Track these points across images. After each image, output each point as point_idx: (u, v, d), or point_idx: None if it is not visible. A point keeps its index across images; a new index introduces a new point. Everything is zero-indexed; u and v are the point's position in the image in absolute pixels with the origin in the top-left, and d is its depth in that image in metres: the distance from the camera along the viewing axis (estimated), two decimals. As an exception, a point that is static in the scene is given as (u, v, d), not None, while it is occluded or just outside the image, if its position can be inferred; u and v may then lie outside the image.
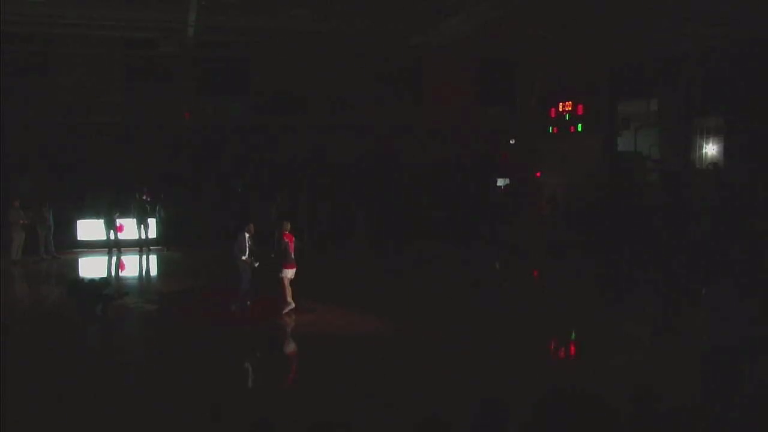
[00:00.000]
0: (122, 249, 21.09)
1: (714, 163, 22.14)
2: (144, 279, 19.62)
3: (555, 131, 26.13)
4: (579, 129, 25.23)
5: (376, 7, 19.44)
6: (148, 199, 22.05)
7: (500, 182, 27.73)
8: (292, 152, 24.87)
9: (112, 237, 20.98)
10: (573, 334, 13.82)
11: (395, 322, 13.51)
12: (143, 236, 21.70)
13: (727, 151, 21.94)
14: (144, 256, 21.22)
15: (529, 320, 14.01)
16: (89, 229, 21.64)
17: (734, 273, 17.11)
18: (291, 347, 13.11)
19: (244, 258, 13.64)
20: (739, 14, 17.86)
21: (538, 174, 26.86)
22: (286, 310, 13.61)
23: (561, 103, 25.69)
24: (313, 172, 24.63)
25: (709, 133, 22.51)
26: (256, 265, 13.77)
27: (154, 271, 20.34)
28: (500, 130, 27.27)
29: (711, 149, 22.62)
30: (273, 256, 14.13)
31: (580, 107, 25.20)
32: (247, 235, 13.74)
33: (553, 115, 26.09)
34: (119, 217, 21.25)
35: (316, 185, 23.99)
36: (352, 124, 25.05)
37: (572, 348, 13.35)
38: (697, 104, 22.34)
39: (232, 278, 14.14)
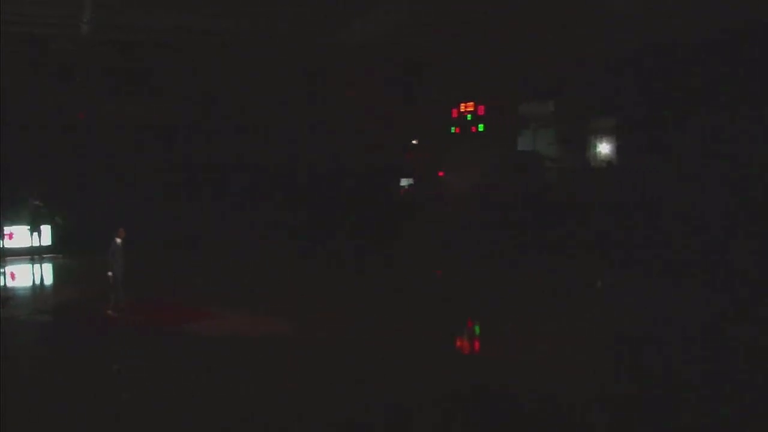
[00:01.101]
0: (10, 257, 19.87)
1: (609, 161, 23.33)
2: (34, 288, 18.52)
3: (457, 131, 26.72)
4: (480, 129, 25.91)
5: (284, 7, 19.20)
6: (41, 204, 20.89)
7: (404, 182, 28.08)
8: (198, 154, 24.11)
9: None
10: (477, 329, 14.30)
11: (299, 323, 13.36)
12: (36, 243, 20.53)
13: (620, 149, 23.17)
14: (36, 264, 20.08)
15: (434, 316, 14.21)
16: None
17: (634, 264, 18.17)
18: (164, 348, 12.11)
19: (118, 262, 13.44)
20: (633, 21, 18.77)
21: (441, 173, 27.35)
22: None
23: (463, 104, 26.30)
24: (226, 174, 24.06)
25: (603, 133, 23.71)
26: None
27: (45, 280, 19.09)
28: (405, 130, 27.52)
29: (604, 148, 23.83)
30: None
31: (481, 108, 25.89)
32: (118, 240, 13.48)
33: (455, 116, 26.66)
34: (8, 225, 20.13)
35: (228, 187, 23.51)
36: (260, 125, 24.63)
37: (476, 343, 13.68)
38: (591, 105, 23.44)
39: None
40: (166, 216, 21.34)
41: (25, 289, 17.91)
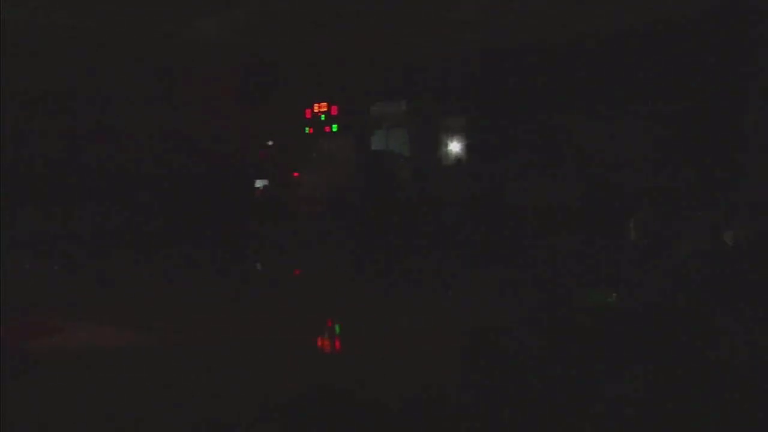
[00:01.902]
0: None
1: (460, 160, 23.92)
2: None
3: (311, 131, 26.57)
4: (334, 129, 25.91)
5: (132, 3, 18.35)
6: None
7: (259, 183, 27.59)
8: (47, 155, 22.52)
9: None
10: (338, 328, 14.26)
11: (153, 333, 12.78)
12: None
13: (469, 148, 23.82)
14: None
15: (293, 317, 14.06)
16: None
17: (486, 261, 18.72)
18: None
19: None
20: (479, 25, 19.34)
21: (296, 174, 27.11)
22: None
23: (316, 104, 26.17)
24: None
25: (454, 132, 24.28)
26: None
27: None
28: (259, 130, 27.00)
29: (456, 147, 24.41)
30: None
31: (335, 108, 25.90)
32: None
33: (308, 116, 26.50)
34: None
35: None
36: (111, 125, 23.37)
37: (338, 343, 13.66)
38: (442, 105, 23.94)
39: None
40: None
41: None
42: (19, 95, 22.21)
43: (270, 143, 27.89)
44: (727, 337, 10.31)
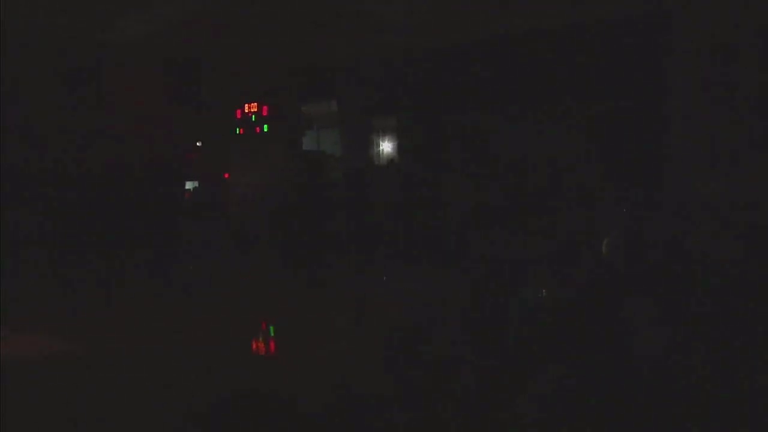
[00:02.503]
0: None
1: (391, 159, 24.07)
2: None
3: (241, 132, 26.32)
4: (265, 129, 25.72)
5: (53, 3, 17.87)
6: None
7: (189, 185, 27.18)
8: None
9: None
10: (271, 329, 14.24)
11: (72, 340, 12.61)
12: None
13: (401, 148, 24.00)
14: None
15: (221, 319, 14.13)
16: None
17: (411, 258, 18.96)
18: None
19: None
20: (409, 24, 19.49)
21: (227, 175, 26.82)
22: None
23: (247, 105, 25.95)
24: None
25: (385, 132, 24.42)
26: None
27: None
28: (187, 131, 26.58)
29: (387, 147, 24.55)
30: None
31: (265, 108, 25.71)
32: None
33: (239, 116, 26.25)
34: None
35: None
36: (27, 126, 22.59)
37: (271, 344, 13.63)
38: (374, 105, 24.03)
39: None
40: None
41: None
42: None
43: (199, 144, 27.54)
44: (635, 331, 10.73)
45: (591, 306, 11.66)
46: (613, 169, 17.94)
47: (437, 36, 20.34)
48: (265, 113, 25.89)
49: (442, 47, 21.07)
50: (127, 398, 9.35)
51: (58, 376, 10.45)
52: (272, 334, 13.82)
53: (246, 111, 26.21)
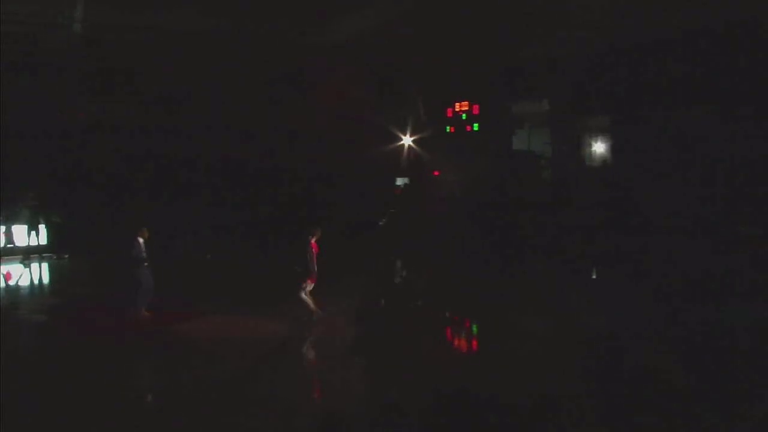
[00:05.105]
0: (7, 257, 19.84)
1: (604, 160, 23.07)
2: (35, 288, 18.42)
3: (452, 131, 26.60)
4: (475, 128, 25.80)
5: (269, 6, 19.14)
6: (38, 204, 21.02)
7: (399, 181, 27.95)
8: (182, 155, 23.88)
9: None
10: (475, 328, 14.12)
11: (297, 324, 13.26)
12: (34, 243, 20.55)
13: (613, 148, 22.93)
14: (34, 264, 20.02)
15: (432, 318, 14.23)
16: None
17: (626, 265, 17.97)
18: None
19: (145, 264, 13.15)
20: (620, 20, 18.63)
21: (436, 173, 27.19)
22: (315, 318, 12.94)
23: (457, 103, 26.18)
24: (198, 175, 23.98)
25: (596, 132, 23.44)
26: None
27: (45, 280, 18.98)
28: (398, 129, 27.26)
29: (599, 147, 23.56)
30: (298, 269, 12.77)
31: (476, 107, 25.79)
32: (141, 240, 13.29)
33: (450, 115, 26.57)
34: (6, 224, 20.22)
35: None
36: (247, 128, 24.32)
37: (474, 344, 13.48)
38: (585, 104, 23.15)
39: (126, 286, 13.54)
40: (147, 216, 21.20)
41: (32, 292, 17.50)
42: None
43: (410, 143, 28.02)
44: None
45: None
46: None
47: (650, 30, 19.23)
48: (476, 112, 25.96)
49: (656, 41, 19.82)
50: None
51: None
52: (475, 333, 13.78)
53: (457, 110, 26.46)
